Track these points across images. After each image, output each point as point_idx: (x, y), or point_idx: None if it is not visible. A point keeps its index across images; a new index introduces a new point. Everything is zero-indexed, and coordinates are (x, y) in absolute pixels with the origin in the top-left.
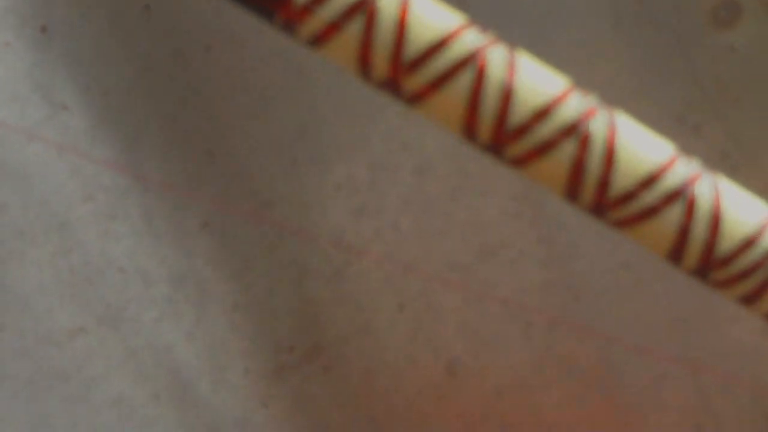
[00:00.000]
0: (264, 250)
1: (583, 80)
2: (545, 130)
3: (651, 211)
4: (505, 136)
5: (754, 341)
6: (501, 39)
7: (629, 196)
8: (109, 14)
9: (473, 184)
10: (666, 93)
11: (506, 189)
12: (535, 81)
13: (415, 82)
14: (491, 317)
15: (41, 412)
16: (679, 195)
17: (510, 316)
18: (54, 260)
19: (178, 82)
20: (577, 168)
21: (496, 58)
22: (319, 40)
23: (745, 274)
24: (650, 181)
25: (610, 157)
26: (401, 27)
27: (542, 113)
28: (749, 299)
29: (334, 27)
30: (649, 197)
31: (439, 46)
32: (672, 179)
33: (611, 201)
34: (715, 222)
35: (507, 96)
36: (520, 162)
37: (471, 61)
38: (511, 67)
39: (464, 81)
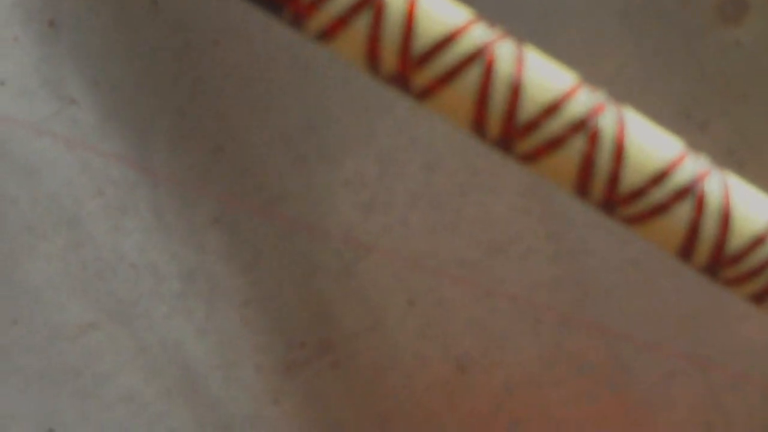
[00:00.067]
0: (274, 246)
1: (588, 76)
2: (554, 125)
3: (661, 208)
4: (514, 131)
5: (764, 339)
6: (508, 34)
7: (639, 193)
8: (116, 8)
9: (482, 180)
10: (672, 89)
11: (515, 185)
12: (544, 76)
13: (424, 77)
14: (500, 313)
15: (51, 406)
16: (689, 192)
17: (519, 312)
18: (64, 255)
19: (187, 76)
20: (587, 164)
21: (505, 53)
22: (327, 34)
23: (755, 272)
24: (660, 177)
25: (619, 153)
26: (409, 22)
27: (551, 109)
28: (759, 297)
29: (342, 22)
30: (659, 194)
31: (447, 41)
32: (681, 176)
33: (621, 197)
34: (725, 219)
35: (516, 91)
36: (530, 158)
37: (479, 56)
38: (519, 62)
39: (473, 76)
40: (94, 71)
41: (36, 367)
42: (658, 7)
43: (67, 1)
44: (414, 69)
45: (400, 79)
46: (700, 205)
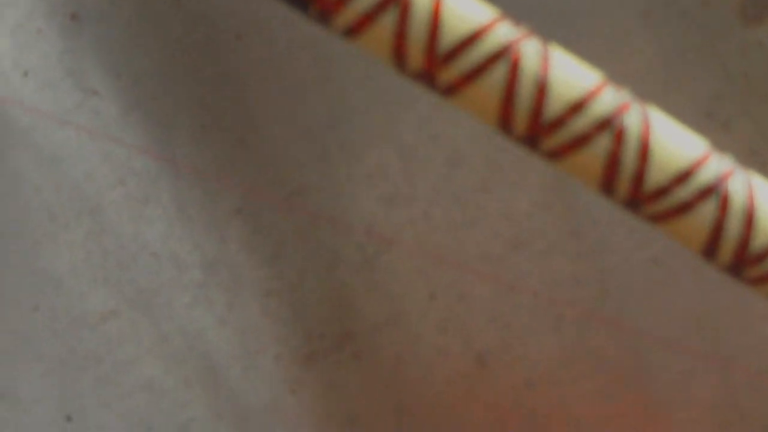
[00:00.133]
0: (296, 238)
1: (611, 75)
2: (580, 123)
3: (685, 207)
4: (540, 129)
5: None
6: (533, 33)
7: (664, 191)
8: (139, 2)
9: (505, 176)
10: (694, 88)
11: (537, 181)
12: (569, 75)
13: (450, 74)
14: (522, 309)
15: (71, 393)
16: (713, 191)
17: (540, 308)
18: (86, 244)
19: (209, 69)
20: (612, 162)
21: (530, 51)
22: (353, 31)
23: None
24: (685, 176)
25: (644, 151)
26: (435, 19)
27: (577, 107)
28: None
29: (369, 18)
30: (684, 192)
31: (473, 38)
32: (706, 175)
33: (646, 195)
34: (750, 218)
35: (542, 89)
36: (556, 155)
37: (505, 54)
38: (545, 60)
39: (499, 74)
40: (117, 63)
41: (56, 354)
42: (681, 8)
43: None
44: (440, 66)
45: (426, 76)
46: (724, 204)
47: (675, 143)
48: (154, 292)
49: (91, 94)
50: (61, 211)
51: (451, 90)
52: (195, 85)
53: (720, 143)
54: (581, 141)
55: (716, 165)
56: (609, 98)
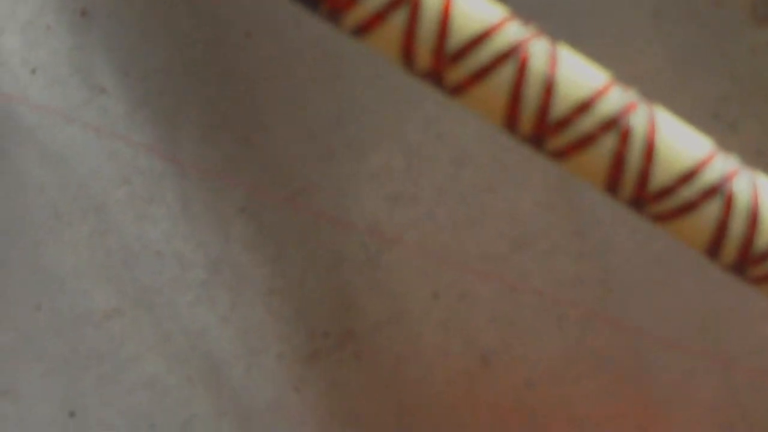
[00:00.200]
0: (300, 237)
1: (619, 75)
2: (586, 123)
3: (690, 206)
4: (546, 128)
5: None
6: (542, 32)
7: (668, 191)
8: None
9: (509, 176)
10: (702, 89)
11: (542, 181)
12: (577, 74)
13: (458, 73)
14: (524, 309)
15: (73, 390)
16: (718, 191)
17: (543, 308)
18: (90, 242)
19: (217, 67)
20: (618, 162)
21: (538, 51)
22: (363, 30)
23: None
24: (689, 176)
25: (650, 151)
26: (445, 18)
27: (584, 107)
28: None
29: (379, 17)
30: (688, 192)
31: (481, 38)
32: (710, 175)
33: (650, 195)
34: (754, 218)
35: (549, 89)
36: (561, 155)
37: (513, 53)
38: (552, 60)
39: (506, 73)
40: (125, 61)
41: (59, 352)
42: (690, 8)
43: None
44: (448, 65)
45: (434, 75)
46: (728, 204)
47: (680, 143)
48: (157, 291)
49: (99, 92)
50: (65, 210)
51: (458, 89)
52: (202, 83)
53: (726, 144)
54: (587, 141)
55: (721, 165)
56: (616, 98)
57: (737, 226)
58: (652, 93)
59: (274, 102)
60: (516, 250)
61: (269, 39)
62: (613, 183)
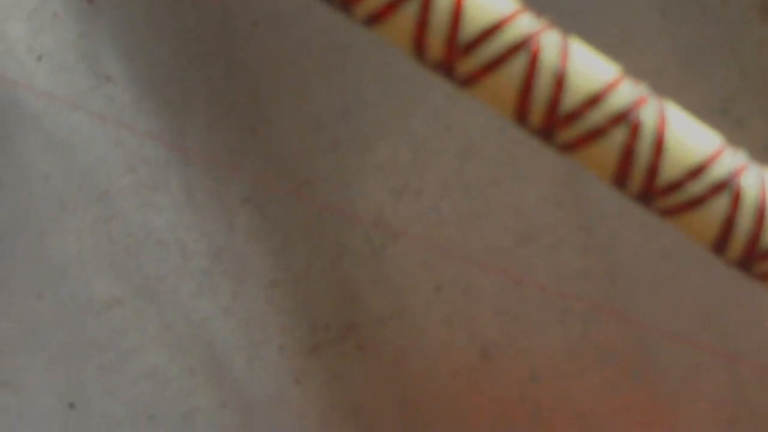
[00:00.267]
0: (304, 228)
1: (627, 69)
2: (597, 116)
3: (698, 201)
4: (556, 121)
5: None
6: (554, 25)
7: (677, 185)
8: None
9: (515, 170)
10: (710, 85)
11: (549, 175)
12: (588, 67)
13: (469, 64)
14: (528, 302)
15: (74, 381)
16: (726, 186)
17: (547, 302)
18: (94, 230)
19: (224, 57)
20: (627, 155)
21: (550, 43)
22: (375, 19)
23: None
24: (698, 171)
25: (659, 145)
26: (457, 9)
27: (594, 100)
28: None
29: (391, 7)
30: (697, 187)
31: (493, 29)
32: (719, 170)
33: (659, 189)
34: (761, 214)
35: (560, 81)
36: (571, 147)
37: (525, 45)
38: (564, 53)
39: (518, 65)
40: (132, 49)
41: (60, 342)
42: (698, 4)
43: None
44: (460, 56)
45: (446, 66)
46: (736, 199)
47: (690, 138)
48: (159, 280)
49: (105, 80)
50: (69, 198)
51: (469, 80)
52: (209, 73)
53: (733, 140)
54: (596, 134)
55: (730, 160)
56: (626, 92)
57: (745, 221)
58: (659, 89)
59: (280, 93)
60: (521, 243)
61: (276, 29)
62: (621, 177)
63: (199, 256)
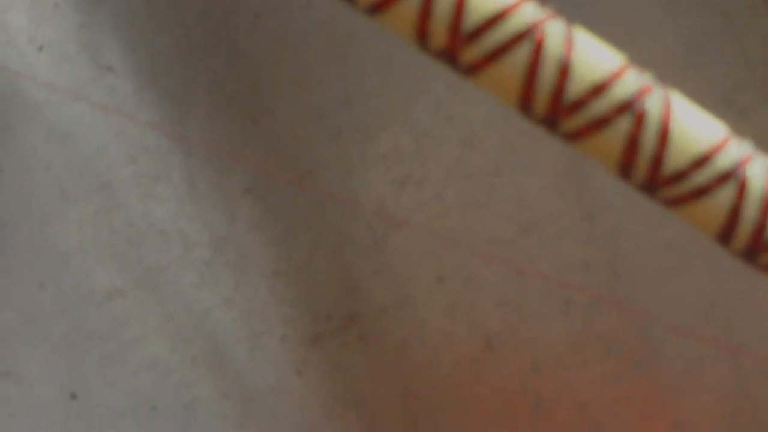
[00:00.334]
0: (305, 218)
1: (632, 59)
2: (601, 105)
3: (703, 191)
4: (561, 110)
5: None
6: (558, 14)
7: (682, 175)
8: None
9: (518, 160)
10: (715, 75)
11: (551, 165)
12: (593, 56)
13: (473, 53)
14: (531, 293)
15: (76, 371)
16: (732, 176)
17: (549, 292)
18: (95, 220)
19: (226, 47)
20: (632, 145)
21: (554, 32)
22: (378, 7)
23: None
24: (703, 160)
25: (664, 135)
26: None
27: (599, 89)
28: None
29: None
30: (702, 177)
31: (497, 18)
32: (725, 160)
33: (664, 179)
34: (767, 204)
35: (564, 70)
36: (575, 137)
37: (529, 34)
38: (568, 41)
39: (522, 54)
40: (133, 39)
41: (62, 332)
42: None
43: None
44: (464, 44)
45: (449, 55)
46: (742, 189)
47: (695, 127)
48: (161, 270)
49: (107, 70)
50: (71, 188)
51: (473, 69)
52: (210, 63)
53: (738, 130)
54: (601, 123)
55: (735, 150)
56: (631, 81)
57: (750, 211)
58: (664, 78)
59: (282, 83)
60: (523, 234)
61: (277, 20)
62: (626, 166)
63: (201, 247)
